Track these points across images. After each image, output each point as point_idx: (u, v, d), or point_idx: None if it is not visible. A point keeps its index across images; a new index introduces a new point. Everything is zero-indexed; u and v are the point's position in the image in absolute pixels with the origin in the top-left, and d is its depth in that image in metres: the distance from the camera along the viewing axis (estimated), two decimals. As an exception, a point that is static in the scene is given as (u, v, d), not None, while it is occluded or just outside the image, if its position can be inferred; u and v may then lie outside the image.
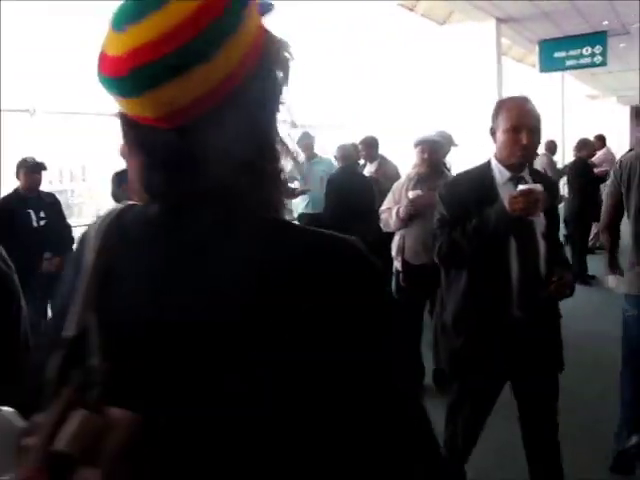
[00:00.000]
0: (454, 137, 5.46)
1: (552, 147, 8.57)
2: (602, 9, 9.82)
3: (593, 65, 11.23)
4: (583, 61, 11.24)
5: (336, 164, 5.73)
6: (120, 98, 0.65)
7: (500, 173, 2.22)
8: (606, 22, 10.57)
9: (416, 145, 3.52)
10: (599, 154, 8.22)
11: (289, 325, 0.61)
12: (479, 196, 2.18)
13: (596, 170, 7.32)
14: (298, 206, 6.30)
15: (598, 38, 10.97)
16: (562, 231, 8.73)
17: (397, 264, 3.69)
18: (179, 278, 0.65)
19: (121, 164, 5.04)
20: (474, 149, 10.98)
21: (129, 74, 0.61)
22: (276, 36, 0.70)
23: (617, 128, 21.81)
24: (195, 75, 0.60)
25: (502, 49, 10.92)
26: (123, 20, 0.62)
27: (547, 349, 2.26)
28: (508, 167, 2.21)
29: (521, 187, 2.07)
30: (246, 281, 0.62)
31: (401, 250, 3.62)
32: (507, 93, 11.61)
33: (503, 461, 2.95)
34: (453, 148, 5.45)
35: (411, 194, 3.43)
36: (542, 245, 2.22)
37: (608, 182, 3.03)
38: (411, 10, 9.64)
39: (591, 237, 7.89)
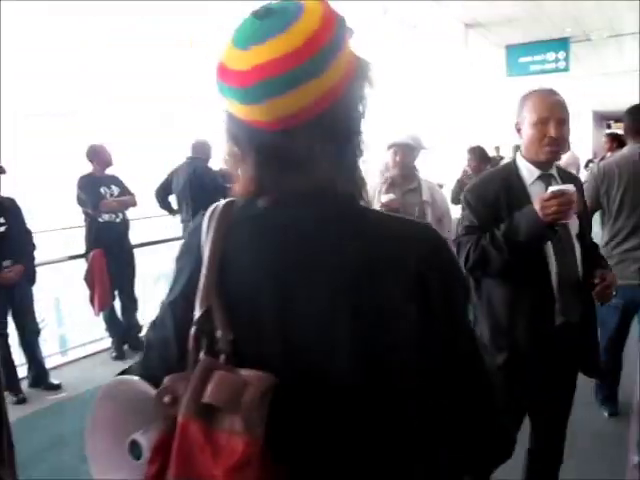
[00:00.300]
0: (423, 140, 5.53)
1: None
2: (565, 16, 10.04)
3: (557, 70, 11.46)
4: (547, 66, 11.47)
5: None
6: (239, 104, 0.79)
7: (528, 171, 2.07)
8: (569, 29, 10.81)
9: (389, 147, 3.52)
10: (565, 157, 8.37)
11: (393, 308, 0.78)
12: (508, 198, 2.02)
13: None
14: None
15: (561, 44, 11.21)
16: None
17: None
18: (292, 267, 0.80)
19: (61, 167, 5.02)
20: (444, 152, 11.13)
21: (253, 85, 0.75)
22: (362, 57, 0.85)
23: (579, 132, 22.31)
24: (307, 88, 0.75)
25: (470, 53, 11.06)
26: (247, 40, 0.77)
27: (586, 353, 2.17)
28: (536, 164, 2.06)
29: (552, 188, 1.91)
30: (356, 267, 0.78)
31: None
32: (476, 98, 11.81)
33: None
34: (423, 151, 5.52)
35: (384, 198, 3.44)
36: (578, 247, 2.09)
37: (586, 186, 3.06)
38: (384, 14, 9.69)
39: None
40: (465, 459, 0.89)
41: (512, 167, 2.12)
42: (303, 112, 0.77)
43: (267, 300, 0.80)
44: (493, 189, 2.06)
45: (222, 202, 0.88)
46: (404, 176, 3.49)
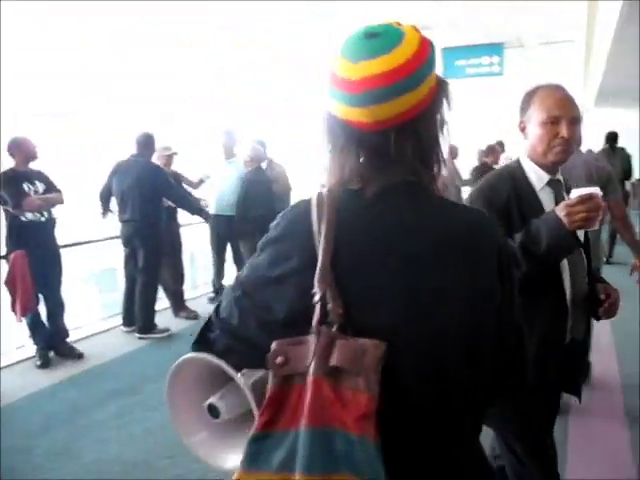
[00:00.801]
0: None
1: (454, 151, 8.73)
2: (500, 22, 10.28)
3: (491, 74, 11.76)
4: (482, 70, 11.75)
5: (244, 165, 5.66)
6: (345, 107, 0.96)
7: (537, 176, 1.89)
8: (503, 35, 11.08)
9: None
10: (500, 159, 8.50)
11: (505, 270, 1.01)
12: (519, 204, 1.83)
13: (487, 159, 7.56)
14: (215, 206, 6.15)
15: (495, 49, 11.50)
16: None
17: None
18: (395, 247, 0.95)
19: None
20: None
21: (361, 93, 0.93)
22: (443, 78, 1.03)
23: (511, 137, 22.91)
24: (403, 99, 0.93)
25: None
26: (357, 56, 0.94)
27: (577, 372, 2.14)
28: (544, 167, 1.88)
29: (578, 192, 1.72)
30: (440, 246, 0.95)
31: None
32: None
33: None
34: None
35: None
36: (584, 259, 1.95)
37: None
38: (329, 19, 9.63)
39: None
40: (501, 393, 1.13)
41: (518, 170, 1.91)
42: (398, 117, 0.95)
43: (391, 276, 0.94)
44: (502, 193, 1.84)
45: (323, 192, 0.99)
46: None
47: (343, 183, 0.99)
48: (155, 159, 5.47)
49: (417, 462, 0.95)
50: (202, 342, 1.05)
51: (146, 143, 5.25)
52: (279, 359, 0.90)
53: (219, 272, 6.34)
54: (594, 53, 10.77)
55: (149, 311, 5.33)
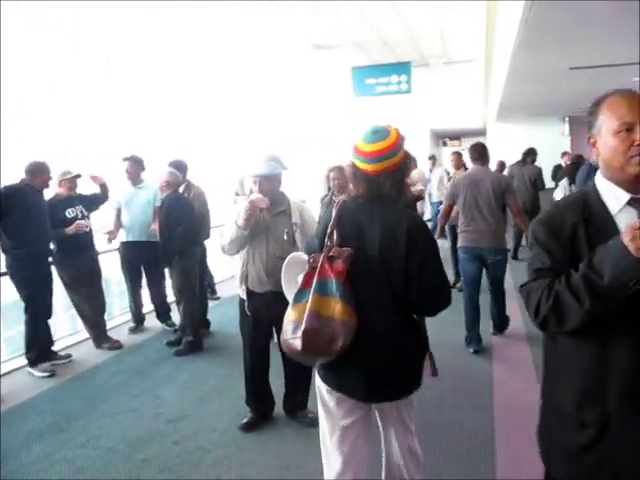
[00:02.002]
0: (283, 160, 5.54)
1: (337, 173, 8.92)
2: (405, 42, 10.69)
3: (400, 92, 12.14)
4: (391, 88, 12.12)
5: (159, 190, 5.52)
6: (362, 164, 2.21)
7: (614, 195, 1.60)
8: (409, 54, 11.52)
9: (251, 177, 3.50)
10: (413, 174, 8.80)
11: (413, 240, 2.12)
12: (589, 232, 1.57)
13: (413, 189, 7.83)
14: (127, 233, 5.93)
15: (403, 68, 11.91)
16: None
17: (241, 293, 3.60)
18: (368, 226, 2.19)
19: None
20: (303, 171, 11.23)
21: (370, 158, 2.22)
22: (407, 150, 2.32)
23: (419, 149, 23.77)
24: (388, 162, 2.19)
25: (319, 72, 11.36)
26: (368, 141, 2.20)
27: None
28: (624, 185, 1.59)
29: None
30: (399, 229, 2.13)
31: (245, 278, 3.52)
32: (324, 117, 12.12)
33: None
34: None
35: (253, 196, 3.39)
36: None
37: (446, 193, 5.70)
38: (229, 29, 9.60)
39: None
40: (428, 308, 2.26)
41: (592, 192, 1.64)
42: (385, 169, 2.20)
43: (366, 234, 2.19)
44: (569, 221, 1.60)
45: (342, 198, 2.38)
46: (271, 201, 3.45)
47: (354, 195, 2.31)
48: (56, 185, 5.28)
49: (368, 323, 2.12)
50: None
51: (32, 171, 4.96)
52: (311, 260, 2.23)
53: (136, 300, 6.15)
54: (493, 72, 11.42)
55: (38, 343, 5.02)
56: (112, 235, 5.88)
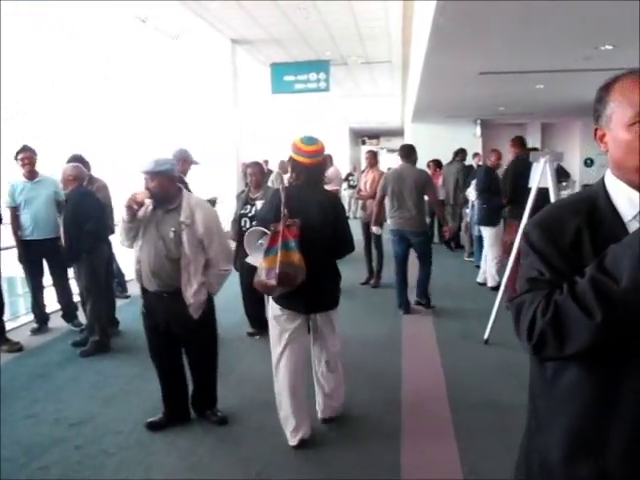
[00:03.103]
0: (193, 154, 5.45)
1: (286, 167, 8.98)
2: (324, 40, 10.77)
3: (318, 90, 12.20)
4: (310, 85, 12.15)
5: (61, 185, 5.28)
6: (302, 158, 3.38)
7: (627, 199, 1.29)
8: (328, 52, 11.61)
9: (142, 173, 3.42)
10: (329, 172, 8.87)
11: (335, 210, 3.47)
12: (596, 239, 1.25)
13: (328, 187, 7.94)
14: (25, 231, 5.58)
15: (322, 66, 11.98)
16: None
17: (139, 290, 3.53)
18: (306, 202, 3.31)
19: None
20: (216, 166, 11.06)
21: (309, 154, 3.37)
22: (327, 153, 5.36)
23: (339, 148, 24.03)
24: (318, 158, 3.44)
25: (237, 68, 11.23)
26: (308, 143, 3.40)
27: None
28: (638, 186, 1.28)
29: None
30: (323, 203, 3.38)
31: (139, 276, 3.45)
32: (243, 112, 12.01)
33: None
34: (193, 166, 5.43)
35: (136, 193, 3.37)
36: None
37: (380, 185, 6.43)
38: (144, 22, 9.35)
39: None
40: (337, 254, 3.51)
41: (600, 194, 1.33)
42: (317, 163, 3.44)
43: (307, 208, 3.29)
44: (572, 225, 1.28)
45: (286, 184, 3.92)
46: (161, 198, 3.40)
47: (294, 181, 3.46)
48: None
49: (309, 265, 3.17)
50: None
51: None
52: (272, 227, 3.20)
53: (38, 300, 5.83)
54: (410, 74, 11.69)
55: None
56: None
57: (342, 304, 4.78)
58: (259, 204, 4.97)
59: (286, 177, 8.91)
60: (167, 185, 3.37)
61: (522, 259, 1.39)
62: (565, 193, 7.51)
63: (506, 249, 6.59)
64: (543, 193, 4.62)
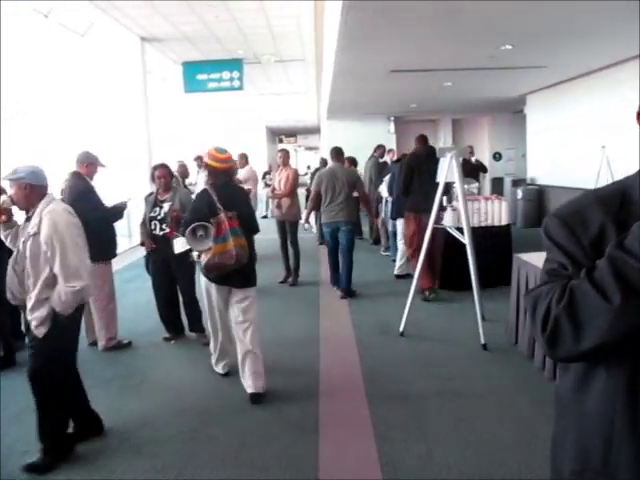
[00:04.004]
0: (104, 156, 5.25)
1: (184, 171, 8.76)
2: (237, 39, 10.67)
3: (232, 88, 12.08)
4: (223, 84, 12.00)
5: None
6: (216, 164, 4.09)
7: None
8: (241, 51, 11.51)
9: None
10: (243, 171, 8.82)
11: (246, 200, 4.64)
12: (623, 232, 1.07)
13: (245, 186, 7.90)
14: None
15: (235, 64, 11.86)
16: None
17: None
18: (228, 198, 4.03)
19: None
20: (130, 167, 10.70)
21: (221, 160, 4.12)
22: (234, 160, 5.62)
23: (255, 146, 23.93)
24: (230, 163, 4.31)
25: (148, 66, 10.93)
26: (221, 152, 4.15)
27: None
28: None
29: None
30: (241, 197, 4.34)
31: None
32: (154, 111, 11.70)
33: None
34: (100, 169, 5.23)
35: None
36: None
37: (313, 183, 7.12)
38: (46, 17, 8.90)
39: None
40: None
41: (635, 187, 1.19)
42: (227, 169, 4.21)
43: (231, 202, 4.00)
44: (597, 219, 1.16)
45: (209, 184, 4.17)
46: (20, 207, 3.30)
47: (214, 182, 4.09)
48: None
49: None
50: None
51: None
52: (212, 221, 3.87)
53: None
54: (323, 72, 11.77)
55: None
56: None
57: (260, 303, 4.78)
58: (167, 206, 4.90)
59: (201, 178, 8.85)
60: (22, 193, 3.22)
61: (545, 251, 1.26)
62: (474, 186, 7.81)
63: (407, 242, 6.99)
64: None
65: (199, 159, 9.27)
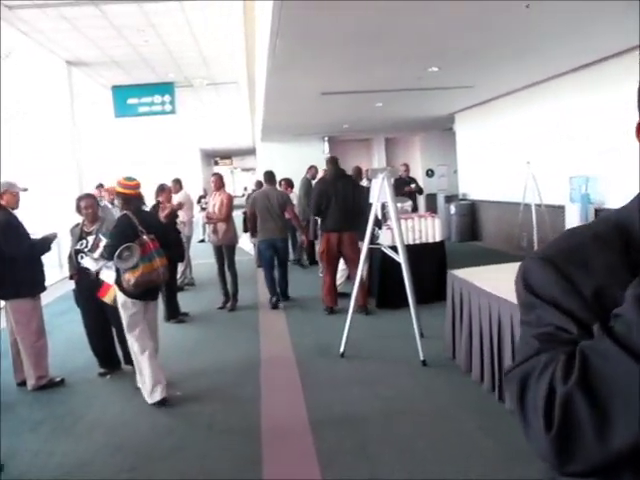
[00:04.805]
0: (20, 181, 5.03)
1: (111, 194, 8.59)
2: (167, 63, 10.58)
3: (164, 112, 11.95)
4: (155, 108, 11.86)
5: None
6: (129, 190, 4.48)
7: None
8: (172, 74, 11.40)
9: None
10: (177, 197, 8.67)
11: (159, 225, 5.15)
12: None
13: (181, 213, 7.83)
14: None
15: (166, 88, 11.74)
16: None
17: None
18: (147, 221, 4.52)
19: None
20: (58, 193, 10.34)
21: (133, 190, 4.49)
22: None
23: (190, 170, 23.68)
24: (137, 190, 4.58)
25: (76, 90, 10.66)
26: (130, 180, 4.56)
27: None
28: None
29: None
30: (152, 222, 4.74)
31: None
32: (84, 136, 11.42)
33: None
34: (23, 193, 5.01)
35: None
36: None
37: (249, 204, 7.95)
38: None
39: (179, 276, 8.28)
40: None
41: (636, 216, 0.89)
42: (139, 194, 4.55)
43: (146, 224, 4.45)
44: (601, 260, 0.86)
45: (128, 212, 4.40)
46: None
47: (126, 208, 4.40)
48: None
49: None
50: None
51: None
52: (137, 242, 4.20)
53: None
54: (256, 94, 11.80)
55: None
56: None
57: (199, 329, 4.68)
58: (91, 239, 4.80)
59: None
60: None
61: (522, 311, 0.92)
62: (407, 205, 7.96)
63: (321, 257, 7.34)
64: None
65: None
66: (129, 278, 4.16)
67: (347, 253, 6.81)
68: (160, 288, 4.74)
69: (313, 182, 10.42)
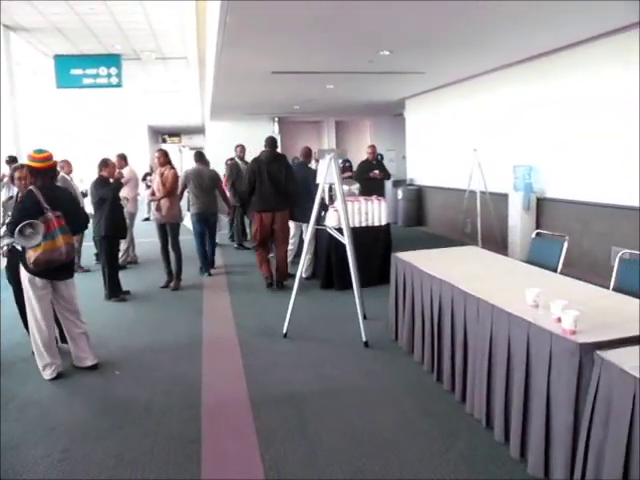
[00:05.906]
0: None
1: (68, 167, 8.35)
2: (114, 33, 10.20)
3: (110, 85, 11.54)
4: (100, 80, 11.44)
5: None
6: (39, 163, 4.27)
7: None
8: (119, 46, 11.02)
9: None
10: (125, 172, 8.44)
11: (70, 201, 4.70)
12: None
13: (124, 190, 7.59)
14: None
15: (112, 60, 11.35)
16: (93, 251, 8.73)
17: None
18: (54, 197, 4.33)
19: None
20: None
21: (43, 163, 4.31)
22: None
23: (137, 146, 23.10)
24: (50, 162, 4.40)
25: (16, 58, 10.17)
26: (39, 152, 4.35)
27: None
28: None
29: None
30: (62, 197, 4.49)
31: None
32: (23, 108, 10.94)
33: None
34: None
35: None
36: None
37: (181, 181, 7.90)
38: None
39: (121, 254, 8.09)
40: None
41: None
42: (48, 167, 4.33)
43: (59, 204, 4.32)
44: None
45: (34, 185, 4.24)
46: None
47: (37, 183, 4.23)
48: None
49: None
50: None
51: None
52: (41, 220, 4.07)
53: None
54: (206, 71, 11.56)
55: None
56: None
57: (140, 309, 4.57)
58: None
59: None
60: None
61: None
62: (354, 188, 7.99)
63: (254, 236, 7.32)
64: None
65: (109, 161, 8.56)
66: (29, 256, 4.10)
67: (278, 232, 7.04)
68: (72, 267, 4.54)
69: (240, 162, 10.22)
